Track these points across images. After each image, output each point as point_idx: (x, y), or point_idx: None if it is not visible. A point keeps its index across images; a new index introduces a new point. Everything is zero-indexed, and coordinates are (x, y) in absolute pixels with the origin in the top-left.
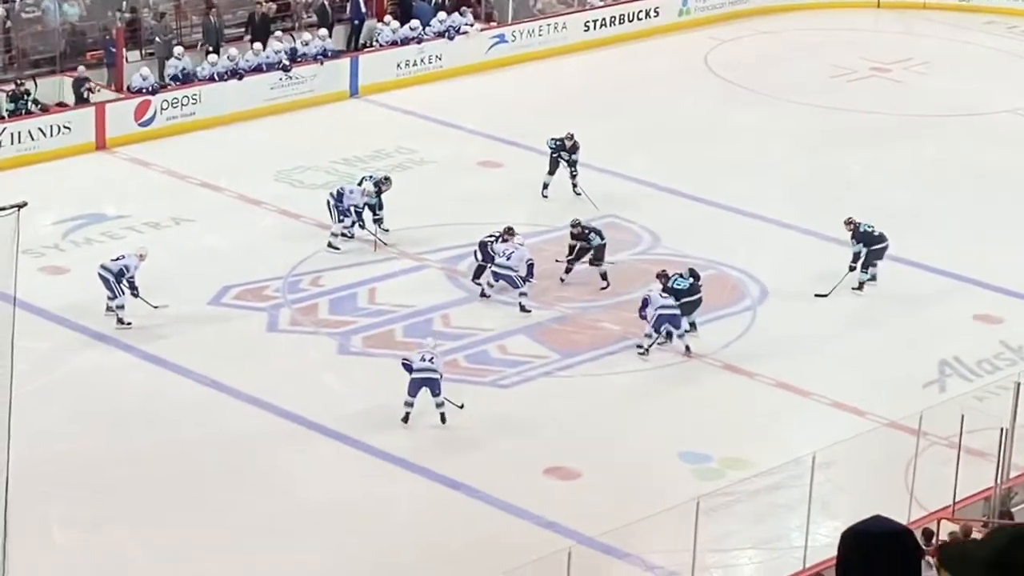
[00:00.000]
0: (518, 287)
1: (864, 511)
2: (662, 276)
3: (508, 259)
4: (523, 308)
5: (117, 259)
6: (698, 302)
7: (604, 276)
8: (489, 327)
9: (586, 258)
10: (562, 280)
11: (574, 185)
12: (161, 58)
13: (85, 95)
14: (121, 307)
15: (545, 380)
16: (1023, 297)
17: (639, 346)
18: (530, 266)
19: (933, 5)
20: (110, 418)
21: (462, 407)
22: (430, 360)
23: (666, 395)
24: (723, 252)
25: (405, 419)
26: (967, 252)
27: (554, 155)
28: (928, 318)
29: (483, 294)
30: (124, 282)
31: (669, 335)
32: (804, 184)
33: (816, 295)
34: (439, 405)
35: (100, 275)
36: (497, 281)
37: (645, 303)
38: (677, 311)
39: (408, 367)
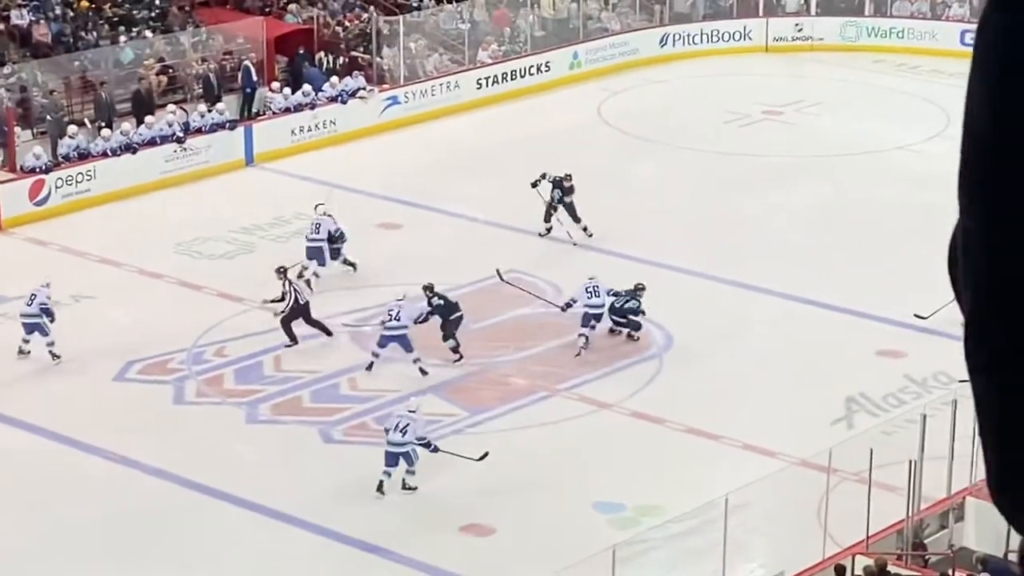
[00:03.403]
0: (411, 351)
1: (779, 551)
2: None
3: (397, 319)
4: (423, 372)
5: (31, 300)
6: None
7: (455, 350)
8: (396, 388)
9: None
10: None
11: (584, 228)
12: (54, 136)
13: None
14: (52, 343)
15: (455, 438)
16: (925, 331)
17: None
18: (415, 321)
19: (821, 47)
20: (18, 501)
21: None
22: (403, 429)
23: (577, 446)
24: None
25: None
26: (867, 289)
27: (554, 202)
28: (832, 356)
29: (370, 365)
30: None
31: (631, 330)
32: (703, 229)
33: (916, 315)
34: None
35: (28, 323)
36: (384, 347)
37: (568, 305)
38: (602, 311)
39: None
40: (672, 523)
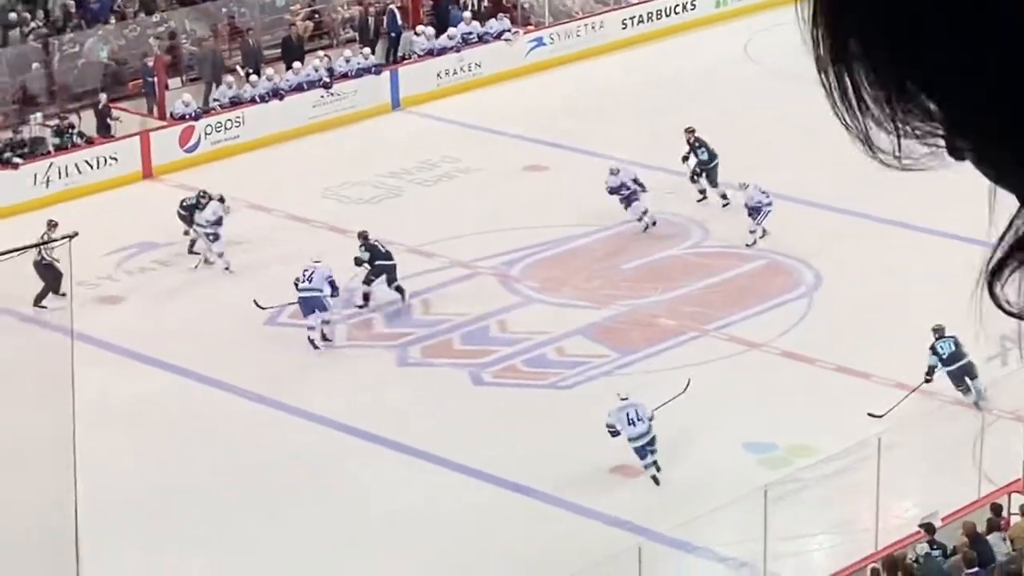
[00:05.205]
0: (327, 309)
1: (933, 490)
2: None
3: (310, 281)
4: (324, 337)
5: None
6: (968, 367)
7: (400, 291)
8: (546, 330)
9: (381, 280)
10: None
11: (722, 195)
12: (208, 82)
13: (111, 126)
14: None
15: (605, 379)
16: None
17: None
18: (331, 283)
19: None
20: (174, 443)
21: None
22: (638, 419)
23: (727, 386)
24: (774, 240)
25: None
26: None
27: (689, 162)
28: (986, 292)
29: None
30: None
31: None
32: (852, 167)
33: None
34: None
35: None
36: (308, 315)
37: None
38: (770, 206)
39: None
40: (824, 463)
